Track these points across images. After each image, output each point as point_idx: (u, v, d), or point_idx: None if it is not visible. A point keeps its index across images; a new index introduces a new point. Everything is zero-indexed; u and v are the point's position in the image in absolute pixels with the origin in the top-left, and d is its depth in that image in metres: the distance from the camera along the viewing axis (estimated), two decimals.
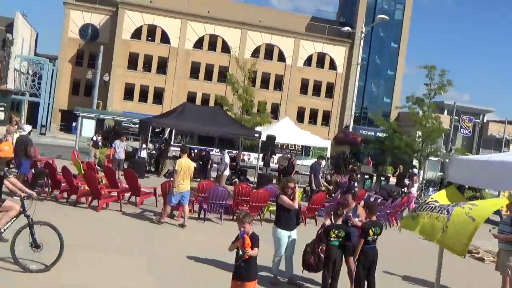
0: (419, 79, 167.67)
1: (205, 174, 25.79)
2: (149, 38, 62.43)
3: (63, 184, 14.81)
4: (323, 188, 20.70)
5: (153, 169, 25.73)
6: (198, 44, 63.53)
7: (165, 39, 62.54)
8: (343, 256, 8.88)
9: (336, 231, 8.70)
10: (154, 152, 26.65)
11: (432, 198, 5.60)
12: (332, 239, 8.68)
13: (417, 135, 32.12)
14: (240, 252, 6.92)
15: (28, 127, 19.27)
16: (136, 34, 61.83)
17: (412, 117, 31.40)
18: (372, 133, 57.93)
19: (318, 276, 9.01)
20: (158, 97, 62.39)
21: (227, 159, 21.98)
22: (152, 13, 61.56)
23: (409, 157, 32.10)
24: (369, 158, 32.24)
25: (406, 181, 24.55)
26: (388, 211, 17.54)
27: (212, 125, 24.55)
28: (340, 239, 8.73)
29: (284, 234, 9.17)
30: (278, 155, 28.42)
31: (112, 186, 15.24)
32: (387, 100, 66.50)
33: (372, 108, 64.52)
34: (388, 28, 65.76)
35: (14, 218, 8.46)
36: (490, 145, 64.47)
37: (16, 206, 8.38)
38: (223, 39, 63.94)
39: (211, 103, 62.08)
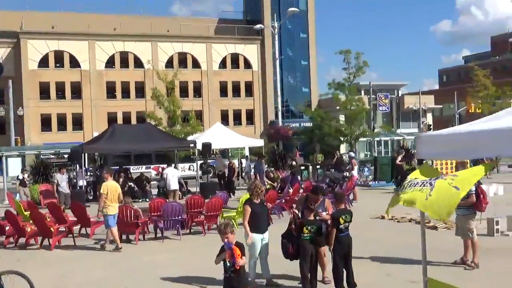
0: (338, 65, 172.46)
1: (145, 194, 25.44)
2: (58, 65, 60.49)
3: (7, 228, 14.14)
4: (268, 186, 20.78)
5: (90, 197, 25.01)
6: (110, 63, 62.23)
7: (74, 63, 60.79)
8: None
9: (309, 227, 8.78)
10: (90, 179, 25.89)
11: (411, 178, 5.77)
12: (305, 234, 8.75)
13: (342, 120, 32.98)
14: (228, 264, 6.87)
15: None
16: (43, 62, 59.74)
17: (336, 102, 32.17)
18: (297, 125, 58.90)
19: (296, 271, 9.07)
20: (78, 123, 60.59)
21: (174, 173, 21.78)
22: (57, 39, 59.66)
23: (339, 142, 32.89)
24: (296, 150, 32.84)
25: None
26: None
27: (146, 143, 24.15)
28: (313, 234, 8.83)
29: (257, 238, 9.17)
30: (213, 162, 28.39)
31: (60, 222, 14.68)
32: (306, 90, 67.79)
33: (292, 100, 65.68)
34: (295, 20, 66.90)
35: None
36: (409, 117, 67.20)
37: None
38: (134, 55, 62.96)
39: (133, 120, 61.15)
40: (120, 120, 61.66)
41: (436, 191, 4.99)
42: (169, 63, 62.85)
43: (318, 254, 9.11)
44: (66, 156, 40.14)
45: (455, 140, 5.77)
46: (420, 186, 5.25)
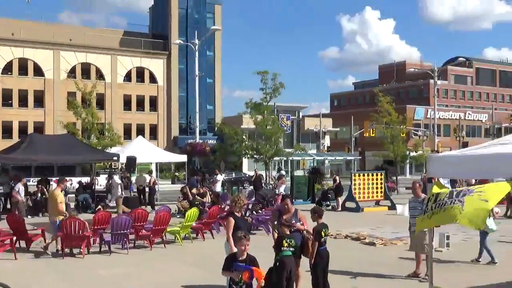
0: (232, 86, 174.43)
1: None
2: None
3: None
4: (197, 202, 20.88)
5: None
6: (7, 69, 59.11)
7: None
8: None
9: (288, 240, 9.11)
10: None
11: (433, 195, 6.33)
12: (285, 248, 9.04)
13: (260, 139, 33.77)
14: (241, 282, 6.96)
15: None
16: None
17: (255, 122, 32.90)
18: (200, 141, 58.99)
19: None
20: None
21: (118, 181, 21.36)
22: None
23: (256, 160, 33.61)
24: (218, 166, 33.32)
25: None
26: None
27: (67, 154, 23.43)
28: (292, 248, 9.17)
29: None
30: (134, 177, 27.94)
31: None
32: (210, 107, 68.26)
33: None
34: (201, 37, 67.39)
35: None
36: (308, 138, 69.68)
37: None
38: (34, 62, 60.28)
39: (30, 131, 58.24)
40: (15, 130, 58.64)
41: (467, 205, 5.60)
42: (71, 73, 60.81)
43: (296, 266, 9.50)
44: None
45: (464, 161, 6.48)
46: (450, 204, 5.83)
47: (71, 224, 13.29)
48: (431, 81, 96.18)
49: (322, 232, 9.17)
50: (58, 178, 15.07)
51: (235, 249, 9.18)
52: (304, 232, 9.52)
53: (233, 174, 47.21)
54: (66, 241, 13.33)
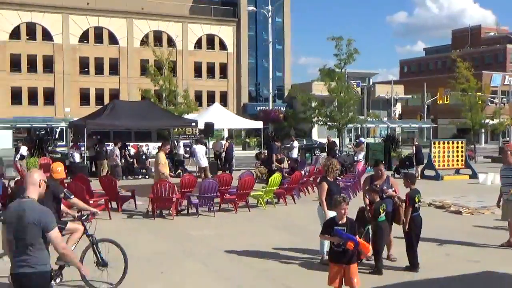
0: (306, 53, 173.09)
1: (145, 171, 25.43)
2: (29, 37, 58.83)
3: None
4: (276, 168, 21.03)
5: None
6: (84, 38, 60.97)
7: (47, 36, 59.27)
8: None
9: (382, 206, 9.15)
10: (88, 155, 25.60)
11: None
12: (382, 215, 9.10)
13: (333, 105, 33.52)
14: (341, 244, 7.05)
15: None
16: (15, 34, 57.99)
17: (328, 89, 32.64)
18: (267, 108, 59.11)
19: None
20: (49, 98, 59.28)
21: (202, 150, 21.94)
22: (30, 10, 57.92)
23: (329, 127, 33.45)
24: (292, 134, 33.58)
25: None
26: (352, 181, 18.29)
27: (147, 120, 24.12)
28: (386, 213, 9.21)
29: (332, 214, 9.45)
30: (212, 141, 28.40)
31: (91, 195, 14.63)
32: (279, 74, 68.05)
33: (265, 84, 65.83)
34: (271, 4, 66.97)
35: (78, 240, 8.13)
36: (379, 105, 68.53)
37: (80, 227, 8.05)
38: (109, 30, 61.85)
39: (106, 98, 60.25)
40: (92, 97, 60.72)
41: None
42: (144, 40, 61.98)
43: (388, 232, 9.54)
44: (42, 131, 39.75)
45: None
46: None
47: (161, 187, 13.78)
48: (509, 45, 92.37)
49: (416, 197, 9.15)
50: (161, 142, 16.20)
51: (328, 213, 9.31)
52: (396, 198, 9.53)
53: (304, 141, 47.14)
54: (157, 203, 13.86)
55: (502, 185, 10.96)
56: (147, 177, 24.81)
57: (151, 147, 33.30)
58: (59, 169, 8.00)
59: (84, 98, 60.55)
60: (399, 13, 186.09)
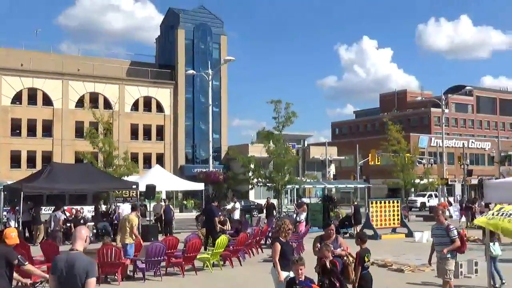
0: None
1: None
2: None
3: None
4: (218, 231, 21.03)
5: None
6: (16, 99, 59.75)
7: None
8: None
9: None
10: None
11: (499, 209, 6.71)
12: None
13: (271, 167, 34.07)
14: None
15: None
16: None
17: (267, 150, 33.29)
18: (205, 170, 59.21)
19: None
20: None
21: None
22: None
23: (268, 188, 33.92)
24: (233, 195, 33.80)
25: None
26: (296, 242, 18.53)
27: (86, 183, 23.88)
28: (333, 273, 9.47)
29: (285, 275, 9.62)
30: (152, 204, 28.13)
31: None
32: (216, 136, 68.65)
33: (203, 146, 66.24)
34: (208, 67, 68.23)
35: None
36: (314, 166, 69.93)
37: None
38: (43, 92, 60.94)
39: (38, 160, 58.84)
40: (24, 159, 59.02)
41: None
42: (80, 103, 61.52)
43: None
44: None
45: None
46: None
47: (108, 251, 13.56)
48: (433, 109, 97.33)
49: (366, 256, 9.52)
50: (132, 204, 16.63)
51: (282, 274, 9.50)
52: (345, 257, 9.83)
53: (242, 202, 47.32)
54: (103, 268, 13.58)
55: (435, 244, 11.38)
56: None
57: (86, 211, 32.61)
58: (12, 234, 7.84)
59: (15, 160, 58.74)
60: (329, 77, 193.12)
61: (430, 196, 53.09)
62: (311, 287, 7.22)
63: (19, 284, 8.56)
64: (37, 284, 7.95)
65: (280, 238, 9.85)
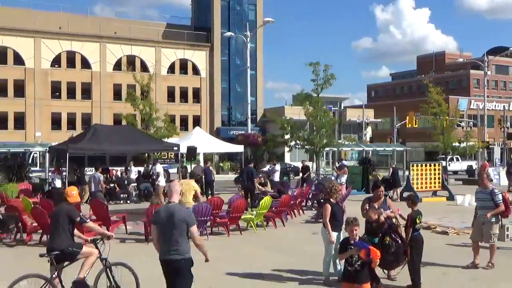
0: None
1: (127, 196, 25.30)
2: (0, 61, 58.05)
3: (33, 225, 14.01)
4: (258, 192, 21.23)
5: None
6: (56, 62, 60.60)
7: (19, 60, 58.72)
8: None
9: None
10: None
11: None
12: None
13: (309, 129, 34.06)
14: (355, 259, 7.31)
15: None
16: None
17: (306, 113, 33.22)
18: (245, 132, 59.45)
19: None
20: (20, 122, 58.51)
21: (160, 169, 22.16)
22: (1, 34, 57.37)
23: (306, 151, 33.97)
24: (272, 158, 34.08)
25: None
26: None
27: (128, 144, 24.12)
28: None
29: (335, 235, 9.72)
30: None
31: None
32: (252, 99, 68.59)
33: (238, 108, 66.43)
34: (244, 29, 67.74)
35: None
36: (349, 129, 69.52)
37: (95, 251, 8.13)
38: (81, 55, 61.66)
39: (78, 122, 59.96)
40: (64, 121, 60.21)
41: None
42: (117, 66, 62.20)
43: None
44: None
45: None
46: None
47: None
48: (472, 71, 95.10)
49: (417, 218, 9.53)
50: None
51: (333, 234, 9.60)
52: (394, 219, 9.85)
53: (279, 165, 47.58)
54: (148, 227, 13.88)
55: (478, 208, 11.31)
56: (128, 202, 24.75)
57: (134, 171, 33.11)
58: (74, 193, 8.09)
59: (56, 122, 59.96)
60: (364, 39, 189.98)
61: (451, 159, 51.30)
62: (368, 247, 7.23)
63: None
64: (98, 241, 8.18)
65: (331, 199, 9.96)
